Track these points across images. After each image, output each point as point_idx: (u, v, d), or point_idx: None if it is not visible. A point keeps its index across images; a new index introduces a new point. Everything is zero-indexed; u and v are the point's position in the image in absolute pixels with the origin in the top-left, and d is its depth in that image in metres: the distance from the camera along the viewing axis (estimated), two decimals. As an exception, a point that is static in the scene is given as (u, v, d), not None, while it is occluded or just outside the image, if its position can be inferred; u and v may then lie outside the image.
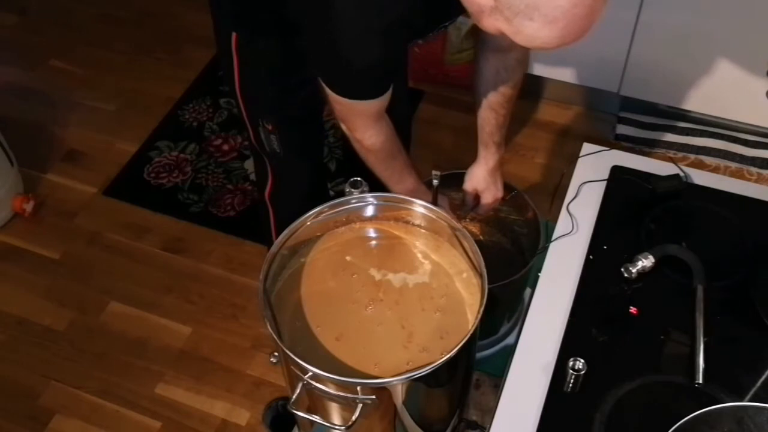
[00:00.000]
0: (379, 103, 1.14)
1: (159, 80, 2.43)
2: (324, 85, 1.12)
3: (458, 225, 1.16)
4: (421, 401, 1.12)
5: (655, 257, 1.11)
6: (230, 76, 1.33)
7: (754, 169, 2.12)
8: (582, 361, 0.99)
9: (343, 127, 1.21)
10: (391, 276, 1.17)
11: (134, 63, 2.51)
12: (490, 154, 1.39)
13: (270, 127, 1.37)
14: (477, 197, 1.45)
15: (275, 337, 1.04)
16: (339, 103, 1.14)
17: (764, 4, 1.81)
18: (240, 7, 1.25)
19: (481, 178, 1.42)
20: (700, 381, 1.00)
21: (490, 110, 1.33)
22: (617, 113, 2.25)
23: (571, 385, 1.01)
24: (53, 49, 2.57)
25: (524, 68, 1.31)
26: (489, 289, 1.06)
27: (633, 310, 1.09)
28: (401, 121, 1.67)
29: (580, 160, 1.32)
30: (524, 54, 1.28)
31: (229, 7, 1.27)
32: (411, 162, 1.31)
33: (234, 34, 1.26)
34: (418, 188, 1.31)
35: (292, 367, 1.03)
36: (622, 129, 2.21)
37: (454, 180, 1.52)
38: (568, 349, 1.05)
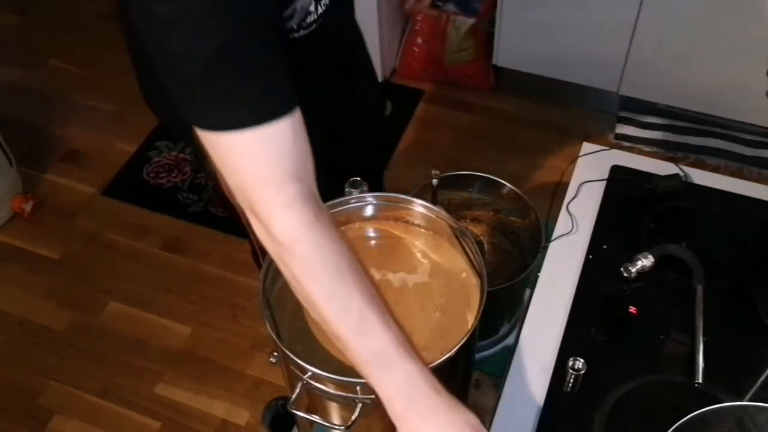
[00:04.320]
0: (271, 139, 0.72)
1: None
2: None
3: (458, 224, 1.16)
4: (420, 401, 1.11)
5: (654, 257, 1.11)
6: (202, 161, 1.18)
7: (754, 169, 2.12)
8: (582, 360, 0.99)
9: (250, 217, 0.78)
10: (390, 276, 1.17)
11: (134, 63, 2.51)
12: None
13: None
14: None
15: (274, 336, 1.04)
16: (213, 150, 0.74)
17: (764, 4, 1.81)
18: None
19: None
20: (700, 381, 1.00)
21: None
22: (617, 113, 2.26)
23: (570, 384, 1.01)
24: (53, 49, 2.57)
25: None
26: (489, 290, 1.06)
27: (633, 309, 1.09)
28: (371, 172, 1.43)
29: (579, 159, 1.32)
30: None
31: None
32: (383, 299, 0.79)
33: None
34: (400, 349, 0.76)
35: (291, 366, 1.03)
36: (622, 128, 2.21)
37: (453, 180, 1.52)
38: (567, 348, 1.05)
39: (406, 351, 0.76)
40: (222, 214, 2.05)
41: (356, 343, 0.76)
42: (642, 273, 1.11)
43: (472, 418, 0.79)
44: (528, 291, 1.56)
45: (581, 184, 1.27)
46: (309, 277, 0.77)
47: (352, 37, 1.30)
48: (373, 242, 1.22)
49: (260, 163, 0.73)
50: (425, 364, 0.78)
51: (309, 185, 0.76)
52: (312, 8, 0.94)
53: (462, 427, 0.77)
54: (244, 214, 0.78)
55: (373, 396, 0.99)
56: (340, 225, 1.22)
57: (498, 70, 2.32)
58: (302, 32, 0.96)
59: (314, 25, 0.97)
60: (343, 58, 1.20)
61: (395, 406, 0.77)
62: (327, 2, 0.97)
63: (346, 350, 0.78)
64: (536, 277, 1.17)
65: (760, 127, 2.14)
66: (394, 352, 0.76)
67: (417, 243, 1.21)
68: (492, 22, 2.19)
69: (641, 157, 1.33)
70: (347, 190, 1.20)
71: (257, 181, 0.73)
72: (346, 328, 0.77)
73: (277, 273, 1.16)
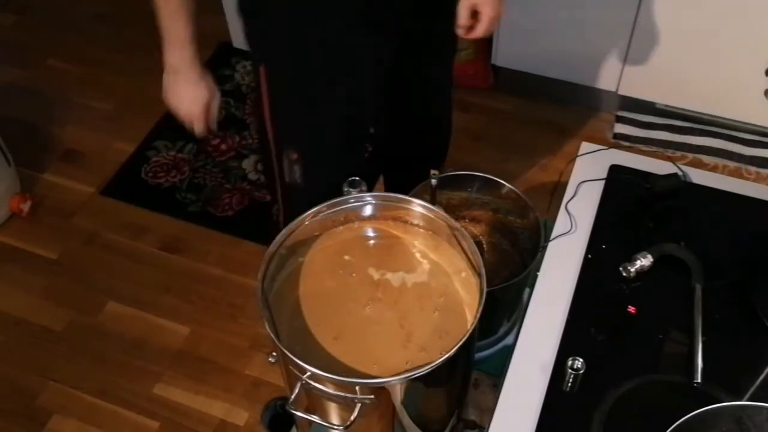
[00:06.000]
0: None
1: (157, 79, 2.40)
2: None
3: (457, 224, 1.16)
4: (419, 401, 1.11)
5: (653, 256, 1.11)
6: (259, 103, 1.27)
7: (752, 168, 2.12)
8: (581, 360, 0.99)
9: None
10: (389, 275, 1.17)
11: (132, 62, 2.50)
12: None
13: (295, 156, 1.29)
14: (475, 15, 1.25)
15: (273, 336, 1.03)
16: None
17: (764, 4, 1.81)
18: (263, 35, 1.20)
19: None
20: (699, 380, 1.00)
21: None
22: (615, 112, 2.26)
23: (570, 384, 1.01)
24: (51, 49, 2.56)
25: None
26: (488, 290, 1.06)
27: (631, 309, 1.09)
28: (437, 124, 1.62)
29: (578, 159, 1.32)
30: None
31: (255, 38, 1.22)
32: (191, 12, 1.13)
33: (262, 66, 1.21)
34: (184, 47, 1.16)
35: (290, 367, 1.03)
36: (621, 128, 2.21)
37: (452, 180, 1.52)
38: (566, 348, 1.05)
39: (180, 46, 1.15)
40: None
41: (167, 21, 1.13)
42: (641, 272, 1.11)
43: (203, 97, 1.21)
44: (527, 291, 1.56)
45: (580, 184, 1.27)
46: None
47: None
48: (372, 242, 1.22)
49: None
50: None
51: None
52: None
53: (193, 96, 1.20)
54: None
55: (371, 396, 1.00)
56: (339, 224, 1.22)
57: (497, 70, 2.32)
58: None
59: None
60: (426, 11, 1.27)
61: (168, 69, 1.20)
62: None
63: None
64: (535, 277, 1.17)
65: (759, 126, 2.14)
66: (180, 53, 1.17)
67: (416, 243, 1.21)
68: (491, 22, 2.19)
69: (640, 156, 1.33)
70: (346, 189, 1.20)
71: None
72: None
73: (276, 273, 1.16)
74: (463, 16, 1.24)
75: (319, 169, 1.33)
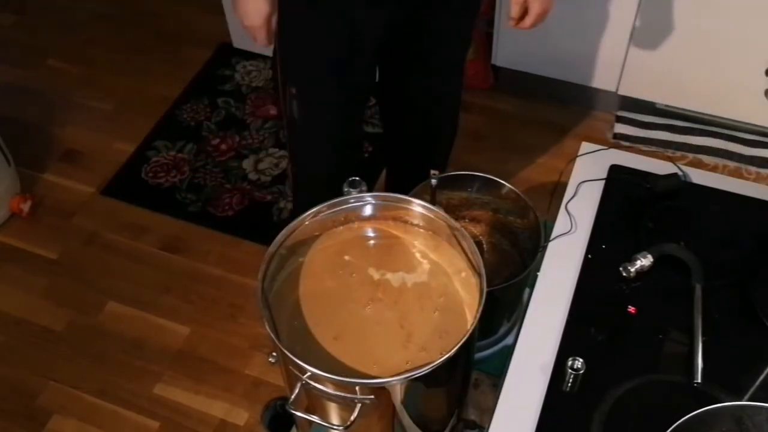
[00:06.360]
0: None
1: (157, 80, 2.43)
2: None
3: (457, 224, 1.16)
4: (419, 401, 1.12)
5: (653, 256, 1.11)
6: (276, 35, 1.35)
7: (752, 168, 2.12)
8: (581, 360, 0.99)
9: None
10: (389, 275, 1.17)
11: (132, 62, 2.50)
12: None
13: (294, 91, 1.36)
14: (524, 7, 1.30)
15: (273, 336, 1.03)
16: None
17: (764, 4, 1.81)
18: None
19: None
20: (699, 380, 1.00)
21: None
22: (615, 112, 2.26)
23: (570, 384, 1.01)
24: (51, 49, 2.56)
25: None
26: (488, 290, 1.06)
27: (631, 309, 1.09)
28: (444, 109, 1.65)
29: (578, 159, 1.32)
30: None
31: None
32: None
33: None
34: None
35: (290, 367, 1.03)
36: (621, 128, 2.21)
37: (452, 180, 1.52)
38: (566, 348, 1.05)
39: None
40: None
41: None
42: (641, 272, 1.11)
43: (264, 10, 1.24)
44: (527, 291, 1.56)
45: (580, 184, 1.27)
46: None
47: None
48: (372, 242, 1.22)
49: None
50: None
51: None
52: None
53: (254, 8, 1.24)
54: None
55: (371, 396, 1.00)
56: (339, 224, 1.22)
57: (497, 70, 2.32)
58: None
59: None
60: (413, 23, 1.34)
61: None
62: None
63: None
64: (535, 277, 1.17)
65: (759, 126, 2.14)
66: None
67: (416, 243, 1.21)
68: (491, 23, 2.19)
69: (640, 156, 1.33)
70: (346, 189, 1.20)
71: None
72: None
73: (276, 273, 1.16)
74: (513, 11, 1.30)
75: (312, 108, 1.39)
